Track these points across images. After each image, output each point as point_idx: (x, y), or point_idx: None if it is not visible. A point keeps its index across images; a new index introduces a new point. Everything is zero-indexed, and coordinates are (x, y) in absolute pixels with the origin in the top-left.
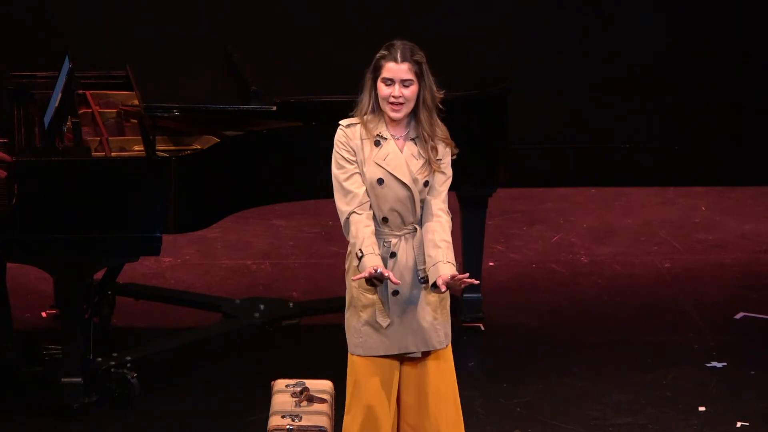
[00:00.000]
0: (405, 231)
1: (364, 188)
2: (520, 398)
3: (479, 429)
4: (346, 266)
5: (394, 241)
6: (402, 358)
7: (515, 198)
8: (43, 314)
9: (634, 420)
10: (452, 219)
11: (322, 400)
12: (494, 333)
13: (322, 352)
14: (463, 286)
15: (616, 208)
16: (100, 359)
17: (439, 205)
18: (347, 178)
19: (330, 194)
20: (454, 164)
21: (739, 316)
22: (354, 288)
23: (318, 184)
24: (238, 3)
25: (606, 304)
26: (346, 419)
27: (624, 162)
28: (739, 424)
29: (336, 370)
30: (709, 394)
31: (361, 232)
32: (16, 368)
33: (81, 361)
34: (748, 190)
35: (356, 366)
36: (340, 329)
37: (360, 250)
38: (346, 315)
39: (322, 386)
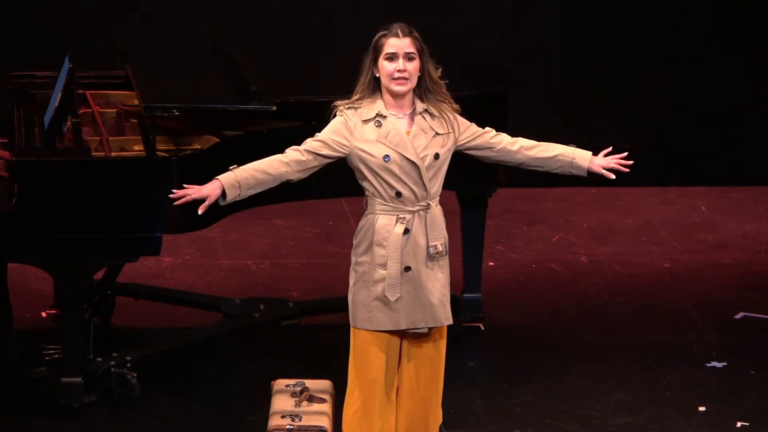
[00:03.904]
0: (418, 207)
1: (313, 150)
2: (520, 398)
3: (479, 429)
4: (355, 241)
5: (408, 217)
6: (404, 333)
7: (515, 198)
8: (43, 314)
9: (634, 420)
10: (452, 218)
11: (322, 400)
12: (494, 333)
13: (322, 352)
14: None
15: (616, 208)
16: (100, 359)
17: (504, 137)
18: (315, 139)
19: (330, 194)
20: (455, 164)
21: (739, 316)
22: (366, 263)
23: (318, 184)
24: (238, 3)
25: (606, 304)
26: (349, 398)
27: None
28: (739, 424)
29: (336, 370)
30: (709, 394)
31: (255, 164)
32: (16, 368)
33: (81, 361)
34: (748, 190)
35: (362, 340)
36: (340, 329)
37: (235, 166)
38: (353, 290)
39: (322, 386)
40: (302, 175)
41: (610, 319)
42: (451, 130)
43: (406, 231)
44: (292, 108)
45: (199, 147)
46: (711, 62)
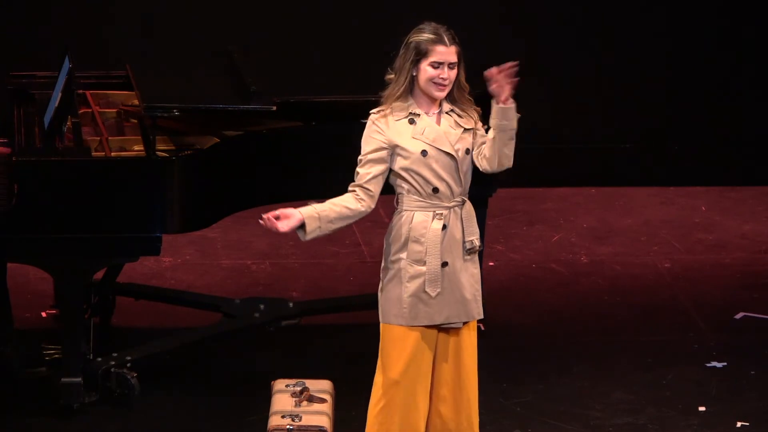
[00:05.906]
0: (454, 203)
1: (370, 177)
2: (520, 398)
3: (479, 429)
4: (388, 240)
5: (444, 212)
6: (439, 329)
7: (515, 198)
8: (43, 314)
9: (634, 420)
10: None
11: (322, 400)
12: (494, 333)
13: (322, 352)
14: (506, 74)
15: (616, 208)
16: (100, 359)
17: None
18: (363, 165)
19: (330, 194)
20: None
21: (739, 316)
22: (401, 260)
23: (318, 184)
24: (238, 3)
25: (606, 304)
26: (374, 396)
27: (624, 162)
28: (739, 424)
29: (336, 370)
30: (709, 394)
31: (331, 200)
32: (16, 368)
33: (81, 361)
34: (748, 190)
35: (392, 337)
36: (340, 329)
37: (317, 204)
38: (386, 287)
39: (322, 386)
40: (373, 204)
41: (610, 319)
42: (476, 129)
43: (444, 227)
44: (292, 108)
45: (199, 147)
46: (711, 62)
